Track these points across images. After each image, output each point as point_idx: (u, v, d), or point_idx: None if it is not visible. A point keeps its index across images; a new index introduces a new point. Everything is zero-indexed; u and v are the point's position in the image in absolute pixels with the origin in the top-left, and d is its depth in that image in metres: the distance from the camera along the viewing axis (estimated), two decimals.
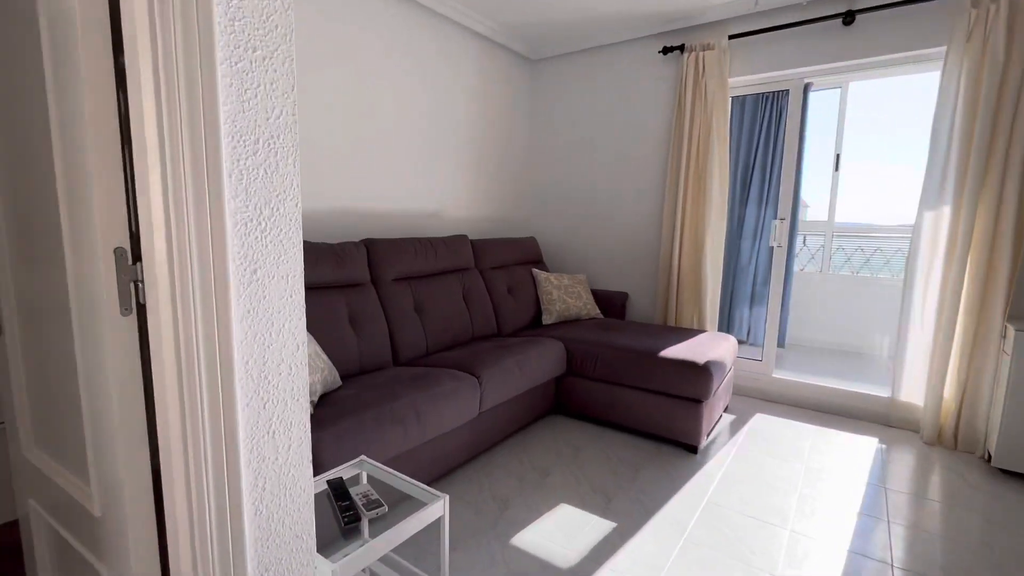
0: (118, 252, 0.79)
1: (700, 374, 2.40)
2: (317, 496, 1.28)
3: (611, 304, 3.55)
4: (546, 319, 3.34)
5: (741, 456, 2.46)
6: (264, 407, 0.79)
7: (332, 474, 1.36)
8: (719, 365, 2.53)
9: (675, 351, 2.57)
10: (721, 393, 2.77)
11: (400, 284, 2.58)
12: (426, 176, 3.17)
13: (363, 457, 1.46)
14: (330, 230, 2.64)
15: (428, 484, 2.03)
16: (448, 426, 2.00)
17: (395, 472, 1.37)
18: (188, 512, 0.76)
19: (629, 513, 1.96)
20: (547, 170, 4.02)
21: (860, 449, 2.55)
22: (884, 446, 2.59)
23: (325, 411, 1.66)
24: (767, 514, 1.97)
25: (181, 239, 0.70)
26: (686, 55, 3.17)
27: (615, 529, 1.86)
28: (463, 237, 3.09)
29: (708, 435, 2.65)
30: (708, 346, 2.67)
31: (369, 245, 2.50)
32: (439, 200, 3.29)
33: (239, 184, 0.72)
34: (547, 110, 3.97)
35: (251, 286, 0.75)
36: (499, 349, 2.54)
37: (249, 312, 0.75)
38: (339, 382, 1.97)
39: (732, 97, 3.33)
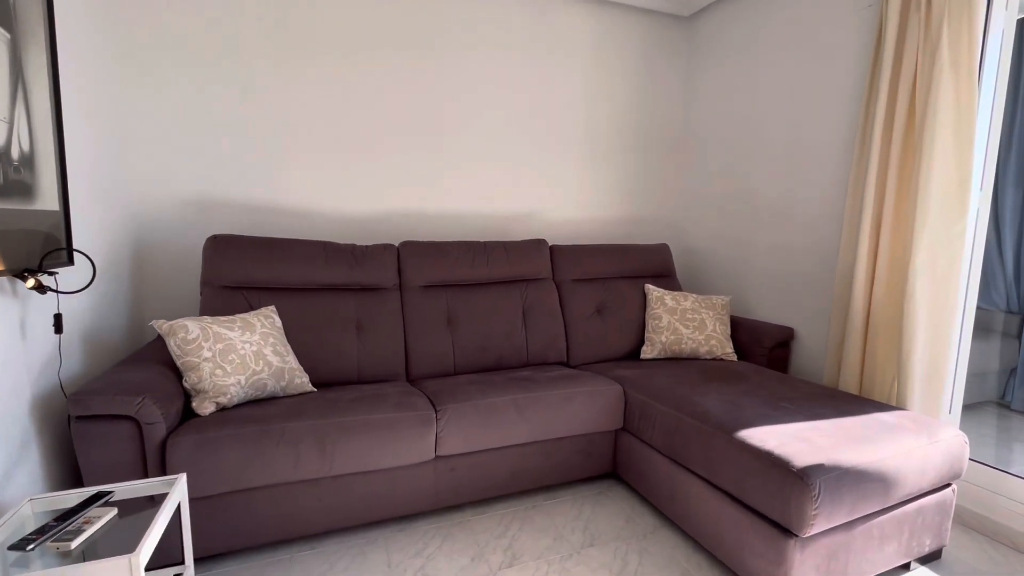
0: None
1: (790, 485, 1.35)
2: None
3: (759, 342, 2.43)
4: (646, 351, 2.51)
5: None
6: None
7: (121, 487, 1.26)
8: (858, 477, 1.38)
9: (768, 434, 1.53)
10: (888, 529, 1.52)
11: (432, 292, 2.33)
12: (518, 173, 2.81)
13: (180, 476, 1.31)
14: (394, 233, 2.60)
15: (353, 528, 1.72)
16: (375, 464, 1.66)
17: (158, 512, 1.16)
18: None
19: None
20: (699, 159, 3.06)
21: None
22: None
23: (219, 416, 1.58)
24: None
25: None
26: None
27: None
28: (538, 241, 2.60)
29: None
30: (855, 436, 1.50)
31: (402, 247, 2.34)
32: (536, 200, 2.87)
33: None
34: (702, 80, 3.02)
35: None
36: (515, 382, 2.01)
37: None
38: (306, 388, 1.88)
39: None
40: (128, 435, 1.42)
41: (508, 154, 2.78)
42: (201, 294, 2.01)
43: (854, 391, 2.05)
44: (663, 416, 1.84)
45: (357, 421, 1.64)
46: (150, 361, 1.66)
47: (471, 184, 2.72)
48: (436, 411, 1.77)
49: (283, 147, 2.35)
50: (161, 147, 2.17)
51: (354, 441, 1.62)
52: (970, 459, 1.94)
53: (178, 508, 1.43)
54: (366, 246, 2.28)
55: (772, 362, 2.41)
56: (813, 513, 1.32)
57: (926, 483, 1.55)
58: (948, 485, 1.66)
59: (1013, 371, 3.20)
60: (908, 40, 1.84)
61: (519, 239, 2.86)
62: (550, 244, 2.74)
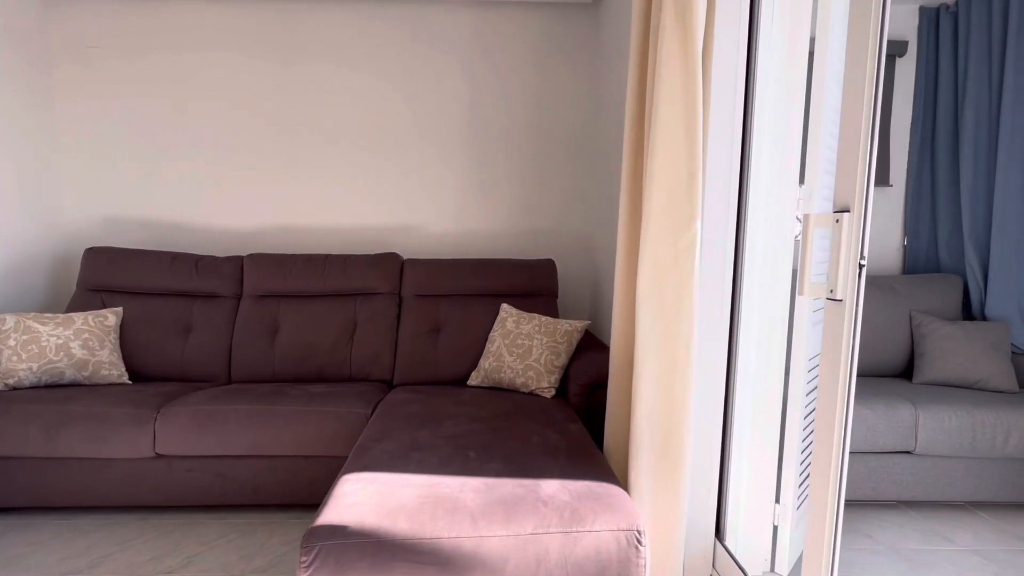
0: None
1: (305, 539, 1.14)
2: None
3: (577, 379, 2.01)
4: (473, 378, 2.27)
5: None
6: None
7: None
8: (392, 552, 1.11)
9: (373, 483, 1.30)
10: None
11: (266, 301, 2.45)
12: (399, 185, 2.80)
13: None
14: (275, 246, 2.80)
15: (109, 508, 1.90)
16: (95, 452, 1.83)
17: None
18: None
19: None
20: (606, 165, 2.65)
21: None
22: None
23: (5, 393, 1.93)
24: None
25: None
26: None
27: None
28: (387, 255, 2.55)
29: None
30: (452, 504, 1.20)
31: (247, 259, 2.51)
32: (418, 212, 2.82)
33: None
34: (608, 75, 2.63)
35: None
36: (268, 395, 2.01)
37: None
38: (115, 380, 2.16)
39: None
40: None
41: (388, 166, 2.78)
42: (73, 295, 2.46)
43: (620, 450, 1.58)
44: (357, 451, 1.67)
45: (80, 411, 1.84)
46: None
47: (349, 198, 2.79)
48: (157, 412, 1.88)
49: (174, 171, 2.73)
50: (84, 176, 2.71)
51: (74, 428, 1.82)
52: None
53: None
54: (214, 257, 2.51)
55: (597, 403, 1.97)
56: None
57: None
58: None
59: None
60: (647, 31, 1.40)
61: (392, 252, 2.82)
62: (409, 258, 2.66)
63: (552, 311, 2.51)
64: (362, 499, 1.22)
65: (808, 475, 1.54)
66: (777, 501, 1.48)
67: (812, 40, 1.32)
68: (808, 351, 1.42)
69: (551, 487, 1.28)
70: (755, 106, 1.34)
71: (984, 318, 2.52)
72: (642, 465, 1.34)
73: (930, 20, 2.73)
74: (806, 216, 0.99)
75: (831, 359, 0.97)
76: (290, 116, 2.73)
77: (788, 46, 1.36)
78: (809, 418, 1.44)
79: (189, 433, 1.86)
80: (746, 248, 1.37)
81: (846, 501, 2.14)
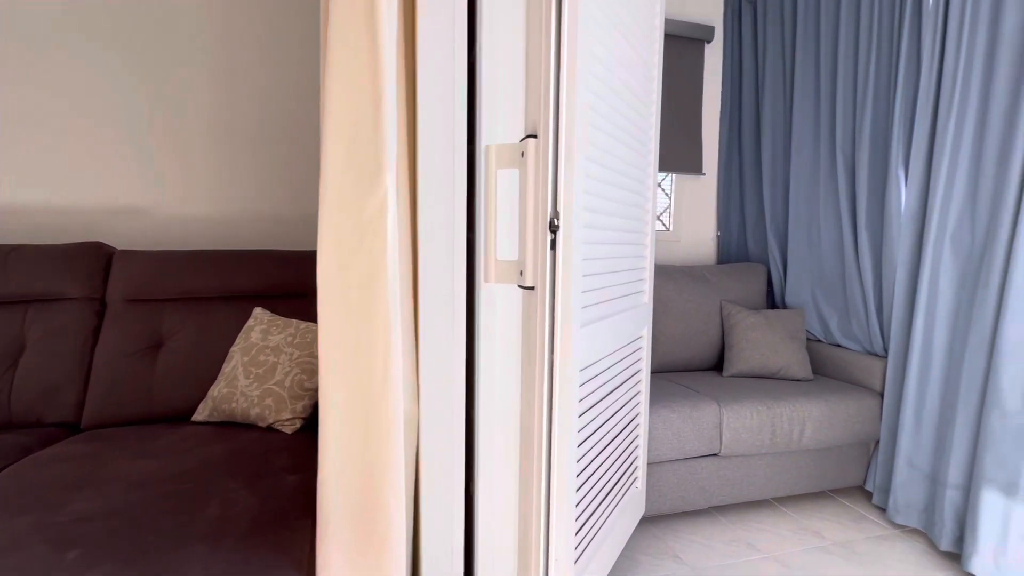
0: None
1: None
2: None
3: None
4: (200, 411, 1.67)
5: None
6: None
7: None
8: None
9: None
10: None
11: None
12: (118, 146, 2.07)
13: None
14: None
15: None
16: None
17: None
18: None
19: None
20: None
21: None
22: None
23: None
24: None
25: None
26: None
27: None
28: (86, 246, 1.84)
29: None
30: None
31: None
32: (148, 193, 2.11)
33: None
34: None
35: None
36: None
37: None
38: None
39: None
40: None
41: (94, 120, 2.04)
42: None
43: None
44: None
45: None
46: None
47: (35, 164, 2.00)
48: None
49: None
50: None
51: None
52: None
53: None
54: None
55: None
56: None
57: None
58: None
59: (876, 445, 2.11)
60: None
61: (95, 241, 2.09)
62: (124, 249, 1.97)
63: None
64: None
65: (584, 524, 1.22)
66: (546, 561, 1.14)
67: None
68: (577, 360, 1.09)
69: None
70: (486, 18, 0.97)
71: (785, 306, 2.54)
72: (332, 552, 0.90)
73: (734, 7, 2.72)
74: (487, 148, 0.61)
75: (528, 374, 0.60)
76: None
77: None
78: (582, 447, 1.11)
79: None
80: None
81: (656, 516, 1.94)
